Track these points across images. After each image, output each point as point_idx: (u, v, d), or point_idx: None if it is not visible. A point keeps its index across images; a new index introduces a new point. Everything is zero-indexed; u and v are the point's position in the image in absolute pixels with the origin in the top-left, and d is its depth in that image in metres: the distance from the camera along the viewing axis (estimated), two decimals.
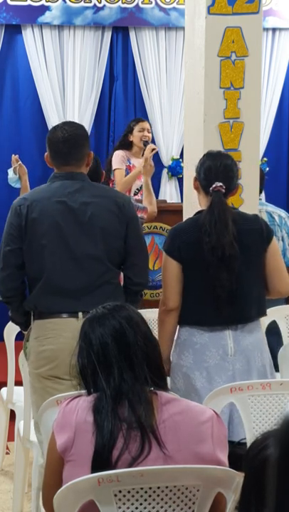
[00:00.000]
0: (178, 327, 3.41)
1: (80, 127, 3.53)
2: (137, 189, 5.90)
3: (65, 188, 3.37)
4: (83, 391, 2.29)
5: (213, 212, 3.26)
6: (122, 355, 2.23)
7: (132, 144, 5.94)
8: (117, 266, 3.43)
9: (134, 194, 5.77)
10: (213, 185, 3.30)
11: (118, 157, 5.86)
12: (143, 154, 6.03)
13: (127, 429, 2.15)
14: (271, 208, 5.06)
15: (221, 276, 3.24)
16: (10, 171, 5.11)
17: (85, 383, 2.28)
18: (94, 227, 3.34)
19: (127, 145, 5.94)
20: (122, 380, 2.21)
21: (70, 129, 3.44)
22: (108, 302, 2.39)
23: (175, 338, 3.42)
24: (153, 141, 7.38)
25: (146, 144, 5.81)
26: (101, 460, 2.13)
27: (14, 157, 5.08)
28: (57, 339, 3.30)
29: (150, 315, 3.72)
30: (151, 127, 6.14)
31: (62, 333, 3.29)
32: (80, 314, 3.30)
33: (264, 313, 3.44)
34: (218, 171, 3.33)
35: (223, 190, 3.30)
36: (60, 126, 3.47)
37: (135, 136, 5.94)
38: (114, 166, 5.79)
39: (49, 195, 3.36)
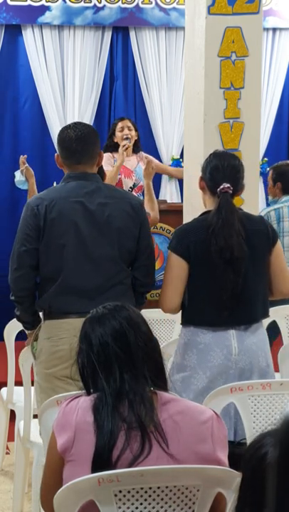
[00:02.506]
0: (181, 328, 3.40)
1: (90, 126, 3.57)
2: (130, 188, 5.91)
3: (81, 188, 3.37)
4: (83, 391, 2.29)
5: (221, 213, 3.25)
6: (122, 355, 2.22)
7: (117, 145, 5.97)
8: (128, 267, 3.45)
9: None
10: (221, 187, 3.28)
11: (104, 160, 5.88)
12: (134, 151, 6.06)
13: (127, 429, 2.15)
14: None
15: (226, 278, 3.24)
16: (17, 173, 5.12)
17: (85, 383, 2.28)
18: (111, 228, 3.36)
19: (112, 146, 5.97)
20: (122, 380, 2.21)
21: (82, 127, 3.46)
22: (116, 302, 2.38)
23: (178, 338, 3.42)
24: (153, 141, 7.42)
25: (127, 139, 5.85)
26: (101, 460, 2.13)
27: (22, 159, 5.09)
28: (71, 339, 3.29)
29: (150, 315, 3.70)
30: (135, 124, 6.14)
31: (76, 333, 3.29)
32: None
33: (267, 315, 3.44)
34: (225, 171, 3.32)
35: (231, 191, 3.29)
36: (71, 126, 3.49)
37: (118, 137, 5.97)
38: None
39: (65, 195, 3.36)
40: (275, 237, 3.42)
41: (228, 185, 3.28)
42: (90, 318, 2.33)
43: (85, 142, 3.41)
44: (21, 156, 5.15)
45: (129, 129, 6.01)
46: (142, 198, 5.81)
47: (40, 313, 3.50)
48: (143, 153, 6.11)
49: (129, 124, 6.04)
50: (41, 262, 3.36)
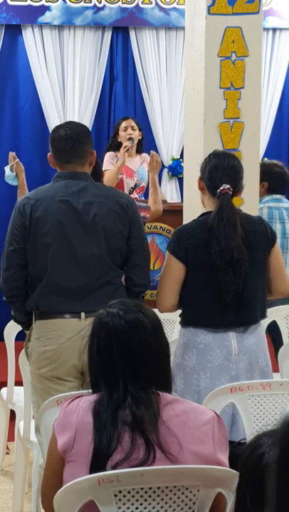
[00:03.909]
0: (180, 328, 3.40)
1: (83, 126, 3.54)
2: (131, 188, 5.91)
3: (68, 187, 3.37)
4: (85, 391, 2.28)
5: (222, 215, 3.23)
6: (127, 358, 2.19)
7: (121, 144, 5.98)
8: (119, 266, 3.43)
9: (129, 193, 5.77)
10: (221, 188, 3.26)
11: (107, 158, 5.91)
12: (138, 151, 6.06)
13: (128, 433, 2.14)
14: None
15: (227, 280, 3.23)
16: (7, 169, 5.08)
17: (91, 381, 2.27)
18: (97, 227, 3.34)
19: (116, 146, 5.97)
20: (124, 382, 2.18)
21: (72, 127, 3.45)
22: (128, 301, 2.34)
23: (178, 338, 3.42)
24: (153, 141, 7.41)
25: (130, 140, 5.85)
26: (100, 463, 2.12)
27: (11, 154, 5.04)
28: (58, 340, 3.29)
29: None
30: (138, 124, 6.15)
31: (63, 334, 3.29)
32: (83, 314, 3.30)
33: (265, 315, 3.45)
34: (225, 171, 3.31)
35: (231, 192, 3.28)
36: (62, 125, 3.49)
37: (121, 137, 5.97)
38: (103, 167, 5.81)
39: (52, 195, 3.36)
40: (274, 238, 3.42)
41: (228, 186, 3.27)
42: (100, 317, 2.28)
43: (75, 141, 3.40)
44: (10, 152, 5.11)
45: (133, 129, 6.01)
46: (142, 199, 5.81)
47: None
48: (146, 154, 6.11)
49: (133, 124, 6.04)
50: (29, 261, 3.36)
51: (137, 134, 6.02)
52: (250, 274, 3.28)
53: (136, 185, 5.95)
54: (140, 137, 6.09)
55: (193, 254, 3.27)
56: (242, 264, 3.24)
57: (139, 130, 6.09)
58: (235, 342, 3.28)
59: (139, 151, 6.11)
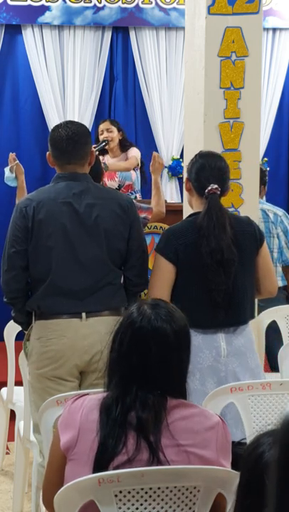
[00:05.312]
0: None
1: (83, 126, 3.54)
2: (116, 189, 5.91)
3: (70, 189, 3.36)
4: (88, 390, 2.28)
5: (212, 215, 3.24)
6: (144, 363, 2.18)
7: (105, 149, 6.01)
8: (118, 267, 3.44)
9: None
10: (209, 188, 3.27)
11: None
12: (122, 150, 6.06)
13: (133, 435, 2.13)
14: (267, 206, 5.10)
15: (217, 280, 3.23)
16: (6, 170, 5.07)
17: (107, 374, 2.26)
18: (98, 229, 3.34)
19: (100, 150, 6.00)
20: (137, 387, 2.18)
21: (73, 127, 3.44)
22: (151, 299, 2.32)
23: None
24: (153, 141, 7.42)
25: (104, 141, 5.90)
26: (103, 462, 2.12)
27: (12, 156, 5.04)
28: (60, 340, 3.29)
29: None
30: (117, 123, 6.17)
31: (65, 334, 3.29)
32: (84, 314, 3.30)
33: (254, 316, 3.45)
34: (212, 171, 3.32)
35: (219, 192, 3.29)
36: (62, 125, 3.47)
37: (100, 140, 6.01)
38: None
39: (54, 196, 3.36)
40: (263, 238, 3.43)
41: (216, 186, 3.27)
42: (131, 312, 2.25)
43: (76, 142, 3.39)
44: (11, 153, 5.12)
45: (109, 131, 6.03)
46: (132, 196, 5.82)
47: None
48: (134, 151, 6.09)
49: (109, 126, 6.06)
50: (30, 263, 3.35)
51: (114, 135, 6.03)
52: (240, 274, 3.29)
53: (120, 186, 5.94)
54: (120, 137, 6.10)
55: (184, 254, 3.27)
56: (232, 264, 3.24)
57: (118, 130, 6.09)
58: (225, 343, 3.28)
59: (123, 150, 6.11)
